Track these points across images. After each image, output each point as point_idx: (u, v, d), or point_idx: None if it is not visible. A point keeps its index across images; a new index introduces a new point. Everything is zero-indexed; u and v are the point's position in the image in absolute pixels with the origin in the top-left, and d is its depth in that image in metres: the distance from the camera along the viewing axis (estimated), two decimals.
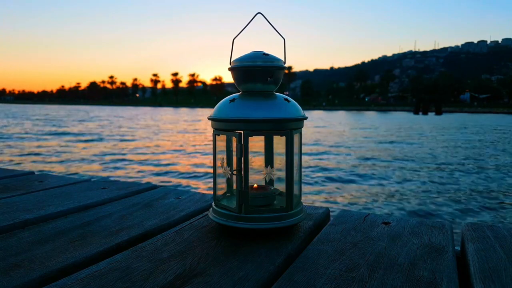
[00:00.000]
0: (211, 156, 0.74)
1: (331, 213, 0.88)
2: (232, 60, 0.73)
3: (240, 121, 0.67)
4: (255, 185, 0.77)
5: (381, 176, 6.57)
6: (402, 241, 0.69)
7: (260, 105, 0.69)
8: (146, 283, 0.52)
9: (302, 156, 0.76)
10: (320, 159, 8.54)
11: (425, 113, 45.98)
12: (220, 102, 0.73)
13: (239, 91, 0.75)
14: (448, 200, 5.04)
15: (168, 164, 7.77)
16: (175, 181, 6.19)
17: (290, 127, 0.69)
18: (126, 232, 0.72)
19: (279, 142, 0.74)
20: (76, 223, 0.77)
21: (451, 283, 0.53)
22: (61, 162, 7.92)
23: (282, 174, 0.71)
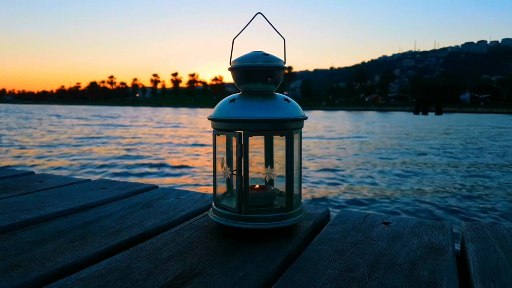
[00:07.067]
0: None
1: (331, 213, 0.88)
2: (232, 60, 0.73)
3: (240, 121, 0.67)
4: (256, 185, 0.77)
5: None
6: (402, 241, 0.69)
7: (260, 105, 0.69)
8: (146, 283, 0.52)
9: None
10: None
11: (425, 113, 45.97)
12: (220, 102, 0.73)
13: (239, 91, 0.75)
14: None
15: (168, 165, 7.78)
16: (175, 181, 6.20)
17: (290, 127, 0.69)
18: (126, 232, 0.72)
19: (279, 142, 0.74)
20: (76, 223, 0.77)
21: (451, 283, 0.53)
22: None
23: (282, 174, 0.71)
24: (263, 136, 0.79)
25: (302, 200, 0.76)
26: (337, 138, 14.15)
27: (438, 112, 46.72)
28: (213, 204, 0.75)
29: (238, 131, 0.67)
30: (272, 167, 0.76)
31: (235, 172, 0.68)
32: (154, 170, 7.18)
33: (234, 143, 0.69)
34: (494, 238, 0.70)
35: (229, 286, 0.51)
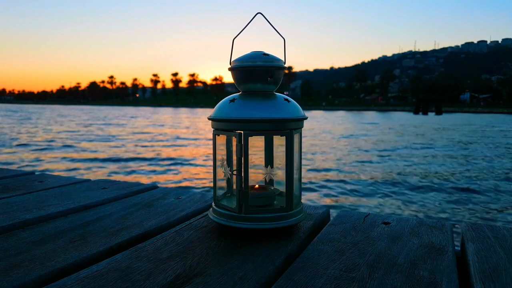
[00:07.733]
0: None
1: (331, 213, 0.88)
2: (232, 60, 0.73)
3: (240, 121, 0.67)
4: (256, 185, 0.77)
5: None
6: (402, 241, 0.69)
7: (260, 105, 0.69)
8: (146, 283, 0.52)
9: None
10: None
11: (425, 113, 46.00)
12: (220, 102, 0.73)
13: (239, 91, 0.75)
14: None
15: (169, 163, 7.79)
16: (175, 180, 6.21)
17: (290, 127, 0.69)
18: (126, 232, 0.72)
19: (279, 142, 0.74)
20: (76, 223, 0.77)
21: (451, 283, 0.53)
22: None
23: (282, 174, 0.71)
24: (263, 136, 0.79)
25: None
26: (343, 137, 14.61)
27: (438, 112, 46.74)
28: (213, 204, 0.75)
29: (238, 131, 0.67)
30: (272, 167, 0.76)
31: (235, 172, 0.68)
32: (154, 169, 7.19)
33: (234, 143, 0.69)
34: (494, 238, 0.70)
35: (229, 286, 0.51)
